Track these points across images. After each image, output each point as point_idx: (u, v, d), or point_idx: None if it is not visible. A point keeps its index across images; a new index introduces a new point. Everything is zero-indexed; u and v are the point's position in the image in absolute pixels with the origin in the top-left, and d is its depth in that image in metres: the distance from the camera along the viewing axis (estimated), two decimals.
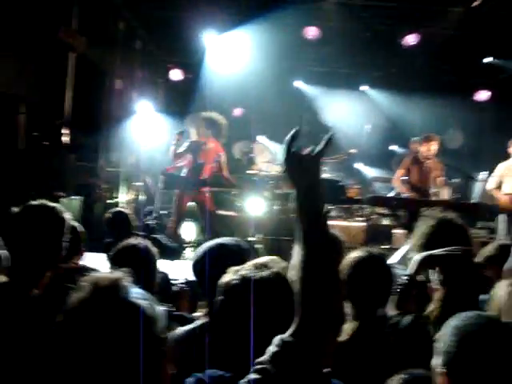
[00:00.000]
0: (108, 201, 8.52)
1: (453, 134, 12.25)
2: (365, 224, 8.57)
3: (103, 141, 8.55)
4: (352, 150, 9.69)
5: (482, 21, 8.77)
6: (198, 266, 2.28)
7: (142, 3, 8.96)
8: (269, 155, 9.54)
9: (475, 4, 7.71)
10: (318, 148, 1.39)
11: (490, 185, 7.34)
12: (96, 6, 7.59)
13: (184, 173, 6.59)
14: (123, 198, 9.37)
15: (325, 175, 9.99)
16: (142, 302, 1.17)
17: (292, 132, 1.41)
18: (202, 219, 6.79)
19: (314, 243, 1.30)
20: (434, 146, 6.96)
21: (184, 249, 7.13)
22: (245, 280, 1.54)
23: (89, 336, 1.10)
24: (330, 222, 1.39)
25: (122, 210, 5.09)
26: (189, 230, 7.96)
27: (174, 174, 6.71)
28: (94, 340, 1.10)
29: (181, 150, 6.57)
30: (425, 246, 2.38)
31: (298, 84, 12.60)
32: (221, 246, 2.30)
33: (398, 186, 7.14)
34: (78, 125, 7.48)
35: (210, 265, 2.14)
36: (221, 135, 6.61)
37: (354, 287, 2.22)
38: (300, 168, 1.36)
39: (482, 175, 10.17)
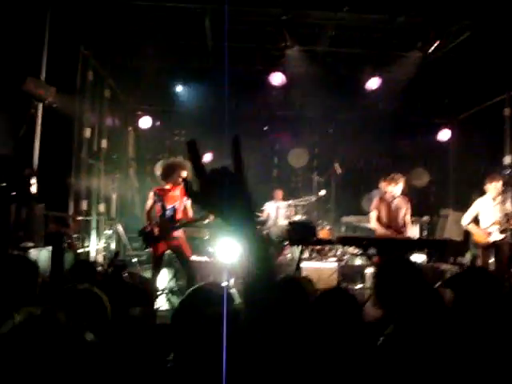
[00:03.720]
0: (78, 250, 8.38)
1: (419, 173, 12.57)
2: (337, 264, 8.63)
3: (72, 189, 8.48)
4: (321, 192, 9.83)
5: (439, 64, 9.20)
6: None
7: (110, 53, 9.10)
8: None
9: (430, 49, 8.09)
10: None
11: (466, 220, 7.49)
12: (64, 55, 7.68)
13: (159, 220, 6.56)
14: (94, 246, 9.24)
15: (296, 217, 10.11)
16: None
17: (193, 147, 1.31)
18: (181, 266, 6.71)
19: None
20: (399, 186, 7.15)
21: (157, 297, 7.01)
22: None
23: None
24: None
25: (86, 259, 4.99)
26: (161, 277, 7.85)
27: (146, 232, 6.65)
28: None
29: (148, 203, 6.57)
30: (376, 287, 2.44)
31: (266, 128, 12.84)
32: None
33: (374, 226, 7.25)
34: (46, 174, 7.42)
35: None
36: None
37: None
38: (221, 189, 1.27)
39: (447, 212, 10.44)
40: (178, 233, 6.48)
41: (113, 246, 9.98)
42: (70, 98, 8.01)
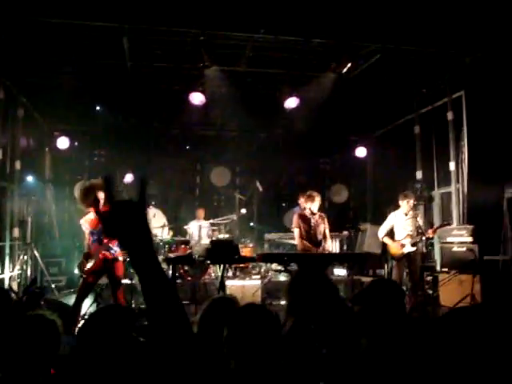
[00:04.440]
0: None
1: (338, 189, 12.98)
2: (261, 282, 8.71)
3: None
4: (242, 211, 9.92)
5: (353, 84, 9.61)
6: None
7: (23, 71, 8.77)
8: (162, 220, 9.49)
9: (344, 71, 8.43)
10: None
11: (382, 232, 7.84)
12: None
13: (91, 246, 6.39)
14: (7, 273, 8.77)
15: (219, 236, 10.12)
16: None
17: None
18: (111, 287, 6.52)
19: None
20: (316, 202, 7.41)
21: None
22: None
23: None
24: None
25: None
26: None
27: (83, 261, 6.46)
28: None
29: (86, 235, 6.43)
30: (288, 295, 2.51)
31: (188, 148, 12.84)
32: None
33: (299, 242, 7.43)
34: None
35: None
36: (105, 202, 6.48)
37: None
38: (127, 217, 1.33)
39: (366, 226, 10.83)
40: (116, 252, 6.36)
41: (29, 272, 9.51)
42: None
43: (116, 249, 6.43)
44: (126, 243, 1.33)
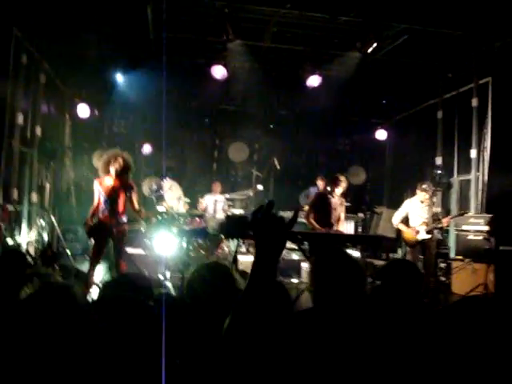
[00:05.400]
0: (8, 241, 8.05)
1: (356, 171, 12.89)
2: None
3: (2, 177, 8.13)
4: (258, 187, 9.89)
5: (377, 65, 9.46)
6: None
7: (47, 37, 8.77)
8: (178, 192, 9.51)
9: (369, 51, 8.29)
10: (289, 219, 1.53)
11: (397, 219, 7.77)
12: None
13: (101, 212, 6.50)
14: (25, 237, 8.91)
15: (234, 211, 10.14)
16: None
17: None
18: (114, 254, 6.66)
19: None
20: (340, 188, 7.32)
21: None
22: None
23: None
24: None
25: (15, 249, 4.82)
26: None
27: (91, 224, 6.57)
28: None
29: (96, 197, 6.53)
30: (315, 280, 2.46)
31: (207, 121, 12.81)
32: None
33: (309, 222, 7.38)
34: None
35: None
36: (126, 171, 6.58)
37: None
38: (273, 229, 1.47)
39: (381, 209, 10.77)
40: (123, 220, 6.48)
41: (45, 237, 9.65)
42: (2, 81, 7.67)
43: (124, 219, 6.54)
44: (266, 249, 1.47)
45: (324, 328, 2.19)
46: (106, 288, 2.29)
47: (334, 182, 7.38)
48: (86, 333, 1.27)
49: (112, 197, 6.46)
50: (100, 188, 6.48)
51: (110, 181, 6.46)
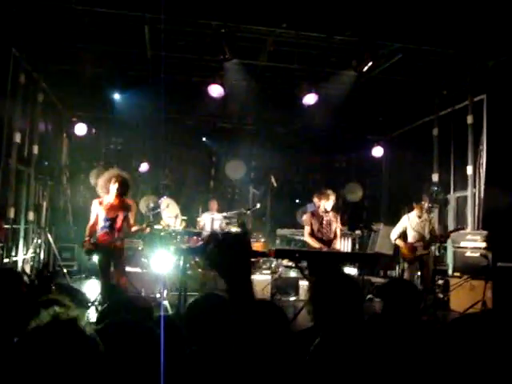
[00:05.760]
0: (5, 260, 8.02)
1: (353, 188, 12.92)
2: (271, 277, 8.71)
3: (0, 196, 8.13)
4: (255, 205, 9.90)
5: (373, 83, 9.54)
6: None
7: (45, 57, 8.84)
8: (175, 210, 9.50)
9: (364, 69, 8.36)
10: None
11: (394, 235, 7.81)
12: None
13: (100, 231, 6.46)
14: (21, 256, 8.87)
15: (231, 229, 10.12)
16: None
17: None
18: (114, 271, 6.60)
19: None
20: (330, 201, 7.32)
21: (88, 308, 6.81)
22: None
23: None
24: None
25: (10, 268, 4.78)
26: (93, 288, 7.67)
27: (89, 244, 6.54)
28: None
29: (93, 216, 6.50)
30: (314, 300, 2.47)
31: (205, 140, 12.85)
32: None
33: (308, 240, 7.36)
34: None
35: None
36: (125, 190, 6.57)
37: None
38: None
39: (379, 226, 10.78)
40: (121, 237, 6.46)
41: (42, 256, 9.61)
42: (0, 100, 7.71)
43: (122, 236, 6.51)
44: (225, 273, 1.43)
45: (326, 347, 2.19)
46: (106, 312, 2.27)
47: (323, 197, 7.38)
48: (92, 367, 1.25)
49: (112, 216, 6.45)
50: (100, 208, 6.45)
51: (110, 200, 6.44)
